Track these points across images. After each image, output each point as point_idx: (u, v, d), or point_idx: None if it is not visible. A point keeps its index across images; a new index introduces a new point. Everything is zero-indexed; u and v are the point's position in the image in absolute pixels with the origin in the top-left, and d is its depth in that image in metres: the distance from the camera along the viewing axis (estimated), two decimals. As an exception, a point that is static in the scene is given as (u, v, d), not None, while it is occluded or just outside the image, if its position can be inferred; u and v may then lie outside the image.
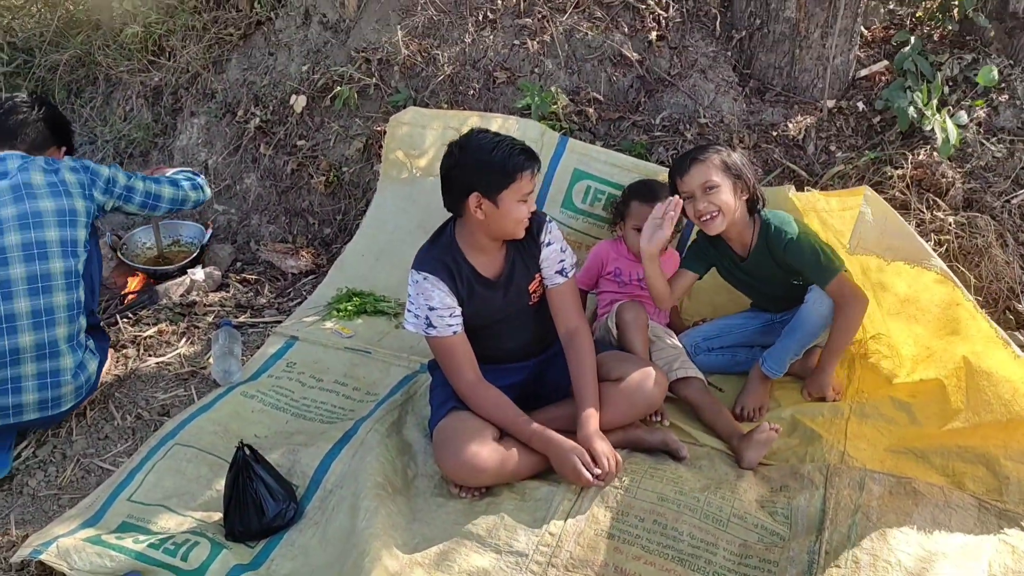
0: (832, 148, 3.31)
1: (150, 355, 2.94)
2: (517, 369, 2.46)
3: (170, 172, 2.91)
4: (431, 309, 2.25)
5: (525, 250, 2.35)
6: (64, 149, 2.73)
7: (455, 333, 2.28)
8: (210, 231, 3.63)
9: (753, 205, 2.53)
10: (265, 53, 3.91)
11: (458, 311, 2.28)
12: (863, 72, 3.49)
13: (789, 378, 2.67)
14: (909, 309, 2.49)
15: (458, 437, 2.21)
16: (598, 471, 2.15)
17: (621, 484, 2.19)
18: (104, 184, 2.59)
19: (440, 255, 2.29)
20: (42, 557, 2.03)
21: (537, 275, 2.38)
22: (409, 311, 2.31)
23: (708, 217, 2.43)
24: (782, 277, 2.55)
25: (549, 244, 2.35)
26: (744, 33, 3.49)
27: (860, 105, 3.38)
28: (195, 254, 3.50)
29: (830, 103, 3.40)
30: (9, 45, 4.41)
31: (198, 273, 3.37)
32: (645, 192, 2.80)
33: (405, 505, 2.22)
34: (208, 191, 2.94)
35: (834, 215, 2.52)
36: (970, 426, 2.29)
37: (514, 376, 2.44)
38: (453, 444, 2.20)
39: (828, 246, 2.50)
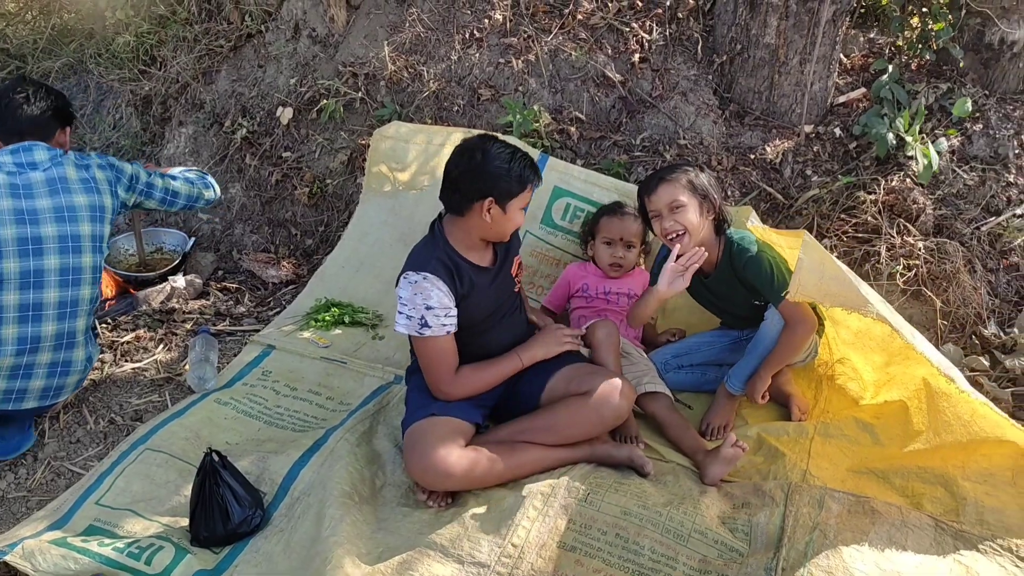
0: (808, 172, 3.36)
1: (127, 360, 2.96)
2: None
3: (178, 171, 2.96)
4: (428, 308, 2.28)
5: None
6: (68, 129, 2.74)
7: (448, 333, 2.32)
8: (193, 239, 3.66)
9: (720, 225, 2.57)
10: (254, 65, 3.95)
11: (453, 311, 2.32)
12: (841, 99, 3.55)
13: (758, 398, 2.71)
14: (863, 340, 2.55)
15: (428, 440, 2.24)
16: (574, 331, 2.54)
17: (585, 497, 2.21)
18: (128, 181, 2.66)
19: (437, 255, 2.34)
20: (7, 558, 2.04)
21: (516, 259, 2.51)
22: (401, 313, 2.33)
23: (674, 235, 2.47)
24: (744, 295, 2.59)
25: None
26: (725, 57, 3.55)
27: (837, 131, 3.44)
28: (177, 262, 3.52)
29: (807, 128, 3.45)
30: (2, 51, 4.46)
31: (179, 281, 3.39)
32: (614, 207, 2.95)
33: (371, 514, 2.24)
34: (218, 190, 3.02)
35: (784, 251, 2.57)
36: (931, 447, 2.32)
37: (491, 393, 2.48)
38: (422, 447, 2.23)
39: (786, 266, 2.53)
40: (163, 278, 3.43)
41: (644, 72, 3.52)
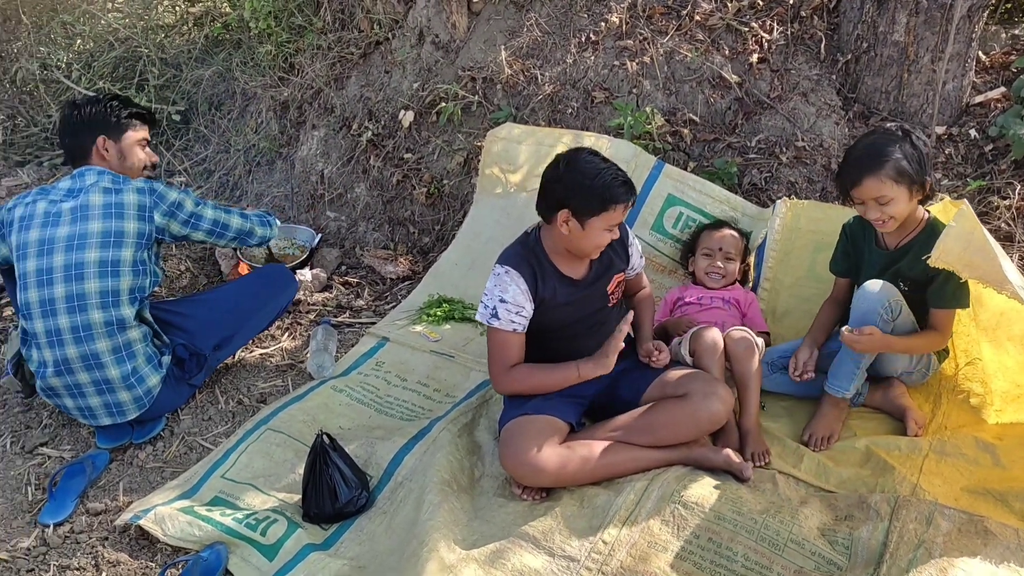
0: (938, 175, 3.19)
1: (256, 347, 3.18)
2: (589, 382, 2.52)
3: (250, 211, 3.03)
4: (502, 301, 2.35)
5: (606, 254, 2.46)
6: (104, 138, 2.71)
7: (514, 331, 2.37)
8: (320, 236, 3.89)
9: (926, 198, 2.44)
10: (381, 71, 4.14)
11: (526, 312, 2.37)
12: (978, 98, 3.35)
13: (868, 410, 2.61)
14: (1006, 325, 2.42)
15: (523, 436, 2.30)
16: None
17: (678, 500, 2.21)
18: (168, 207, 2.68)
19: (525, 254, 2.40)
20: (141, 522, 2.27)
21: (616, 276, 2.49)
22: (482, 302, 2.41)
23: (879, 224, 2.41)
24: (911, 276, 2.47)
25: (633, 243, 2.57)
26: (850, 56, 3.42)
27: (972, 132, 3.25)
28: (305, 256, 3.75)
29: (939, 129, 3.28)
30: (161, 60, 4.86)
31: (306, 274, 3.61)
32: (716, 223, 3.05)
33: (468, 503, 2.33)
34: (275, 231, 3.05)
35: None
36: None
37: (586, 388, 2.50)
38: (516, 443, 2.29)
39: (967, 285, 2.40)
40: (292, 271, 3.66)
41: (762, 72, 3.45)
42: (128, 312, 2.59)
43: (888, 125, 2.57)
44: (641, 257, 2.62)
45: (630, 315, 2.39)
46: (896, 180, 2.32)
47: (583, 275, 2.44)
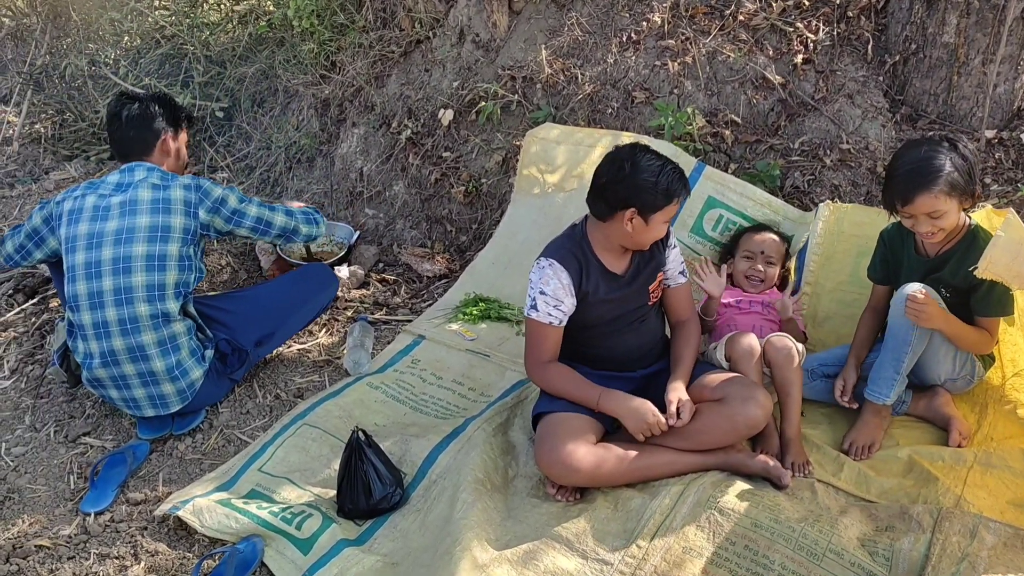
0: (987, 180, 3.12)
1: (294, 342, 3.21)
2: (623, 379, 2.51)
3: (296, 206, 3.06)
4: (542, 293, 2.36)
5: (648, 252, 2.46)
6: (172, 131, 2.80)
7: (551, 324, 2.37)
8: (358, 233, 3.91)
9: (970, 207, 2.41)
10: (421, 69, 4.16)
11: (565, 306, 2.37)
12: (1030, 101, 3.26)
13: (911, 419, 2.55)
14: None
15: (557, 434, 2.29)
16: (663, 419, 2.29)
17: (714, 505, 2.18)
18: (212, 203, 2.73)
19: (572, 248, 2.40)
20: (179, 513, 2.30)
21: (660, 275, 2.49)
22: (527, 294, 2.42)
23: (929, 236, 2.38)
24: (953, 284, 2.42)
25: (674, 247, 2.53)
26: (898, 58, 3.35)
27: (1023, 137, 3.16)
28: (343, 253, 3.78)
29: (989, 133, 3.20)
30: (205, 58, 4.93)
31: (344, 271, 3.64)
32: (755, 226, 3.02)
33: (502, 502, 2.32)
34: (322, 228, 3.06)
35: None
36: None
37: (620, 386, 2.48)
38: (552, 441, 2.28)
39: (1011, 293, 2.37)
40: (331, 267, 3.69)
41: (807, 73, 3.40)
42: (173, 306, 2.64)
43: (931, 134, 2.50)
44: (682, 264, 2.56)
45: (678, 411, 2.31)
46: (948, 194, 2.28)
47: (624, 270, 2.44)
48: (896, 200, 2.35)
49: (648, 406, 2.31)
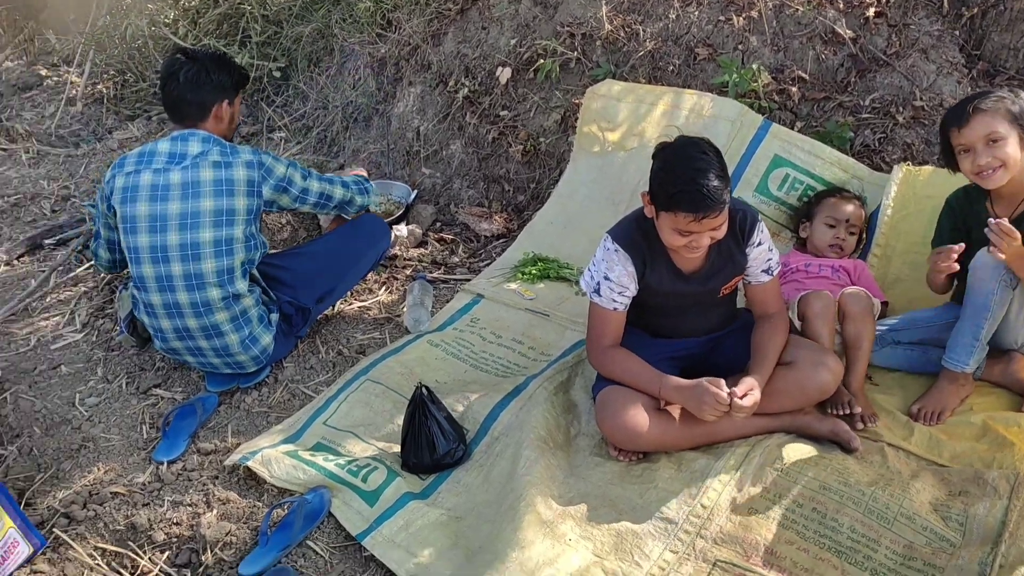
0: (1070, 139, 2.98)
1: (355, 300, 3.24)
2: (690, 343, 2.47)
3: (348, 177, 3.06)
4: (606, 279, 2.31)
5: (728, 250, 2.29)
6: (228, 101, 2.76)
7: (615, 309, 2.33)
8: (415, 192, 3.91)
9: None
10: (479, 27, 4.11)
11: (629, 292, 2.32)
12: (1119, 56, 3.10)
13: (985, 384, 2.48)
14: None
15: (619, 401, 2.27)
16: (729, 399, 2.13)
17: (782, 467, 2.16)
18: (276, 182, 2.71)
19: (639, 237, 2.29)
20: (249, 463, 2.35)
21: (736, 277, 2.36)
22: (588, 270, 2.37)
23: (989, 172, 2.25)
24: None
25: (759, 244, 2.32)
26: (976, 10, 3.20)
27: (1111, 93, 3.00)
28: (401, 212, 3.79)
29: (1073, 89, 3.05)
30: (263, 17, 4.94)
31: (402, 230, 3.65)
32: (838, 190, 2.92)
33: (564, 460, 2.33)
34: (373, 198, 3.08)
35: None
36: None
37: (687, 347, 2.45)
38: (614, 407, 2.26)
39: None
40: (389, 227, 3.70)
41: (879, 28, 3.27)
42: (242, 285, 2.66)
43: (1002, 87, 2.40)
44: (769, 261, 2.34)
45: (737, 389, 2.17)
46: (1009, 121, 2.20)
47: (695, 269, 2.30)
48: (951, 125, 2.26)
49: (706, 391, 2.15)
